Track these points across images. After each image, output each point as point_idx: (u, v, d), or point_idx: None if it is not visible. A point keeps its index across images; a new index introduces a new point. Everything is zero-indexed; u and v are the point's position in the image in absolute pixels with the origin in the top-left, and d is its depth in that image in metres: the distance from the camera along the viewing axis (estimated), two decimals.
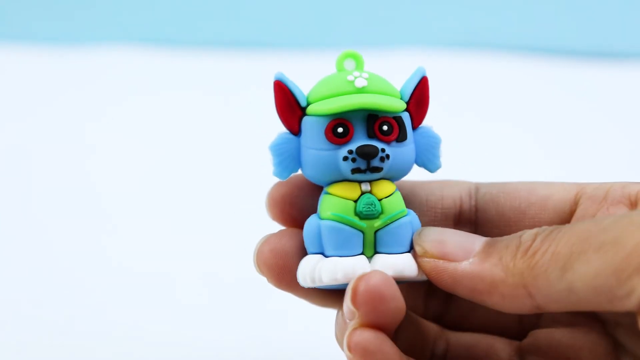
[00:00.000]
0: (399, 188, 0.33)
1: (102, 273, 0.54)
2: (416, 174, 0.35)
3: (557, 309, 0.29)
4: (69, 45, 0.88)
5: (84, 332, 0.48)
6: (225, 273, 0.54)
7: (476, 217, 0.35)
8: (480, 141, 0.73)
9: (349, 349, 0.30)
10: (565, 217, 0.33)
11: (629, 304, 0.26)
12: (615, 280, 0.26)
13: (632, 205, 0.31)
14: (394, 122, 0.32)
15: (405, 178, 0.34)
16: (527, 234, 0.29)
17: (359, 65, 0.33)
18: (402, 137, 0.32)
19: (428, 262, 0.31)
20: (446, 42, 0.85)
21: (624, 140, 0.73)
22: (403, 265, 0.31)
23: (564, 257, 0.27)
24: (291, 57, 0.82)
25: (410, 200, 0.35)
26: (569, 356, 0.33)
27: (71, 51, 0.87)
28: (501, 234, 0.33)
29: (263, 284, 0.52)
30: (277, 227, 0.35)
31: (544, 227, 0.29)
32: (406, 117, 0.32)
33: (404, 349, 0.33)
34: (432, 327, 0.36)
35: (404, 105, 0.32)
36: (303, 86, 0.33)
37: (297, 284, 0.32)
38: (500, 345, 0.35)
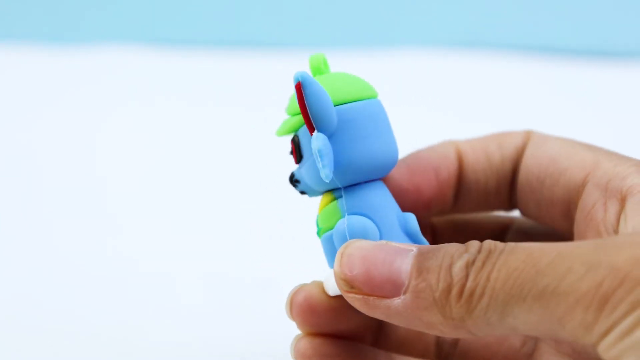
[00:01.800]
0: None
1: (103, 272, 0.54)
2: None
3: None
4: (69, 45, 0.88)
5: (85, 331, 0.48)
6: (226, 273, 0.54)
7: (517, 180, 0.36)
8: None
9: (294, 357, 0.33)
10: (573, 198, 0.34)
11: (579, 342, 0.25)
12: (561, 328, 0.25)
13: (622, 200, 0.31)
14: (292, 145, 0.31)
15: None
16: (458, 267, 0.27)
17: (314, 71, 0.31)
18: (298, 158, 0.31)
19: (357, 298, 0.28)
20: (446, 42, 0.85)
21: (624, 140, 0.73)
22: (327, 281, 0.32)
23: (502, 303, 0.26)
24: (291, 57, 0.82)
25: (473, 166, 0.36)
26: (577, 348, 0.33)
27: (71, 51, 0.87)
28: (526, 201, 0.35)
29: (263, 284, 0.53)
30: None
31: (472, 253, 0.27)
32: (305, 132, 0.30)
33: (395, 344, 0.34)
34: None
35: (293, 126, 0.31)
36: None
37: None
38: None
